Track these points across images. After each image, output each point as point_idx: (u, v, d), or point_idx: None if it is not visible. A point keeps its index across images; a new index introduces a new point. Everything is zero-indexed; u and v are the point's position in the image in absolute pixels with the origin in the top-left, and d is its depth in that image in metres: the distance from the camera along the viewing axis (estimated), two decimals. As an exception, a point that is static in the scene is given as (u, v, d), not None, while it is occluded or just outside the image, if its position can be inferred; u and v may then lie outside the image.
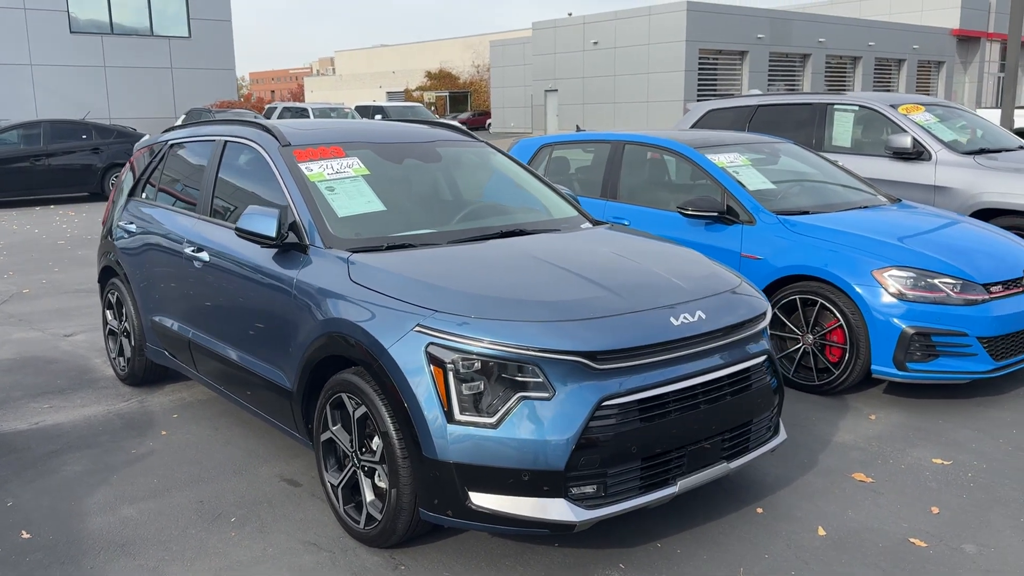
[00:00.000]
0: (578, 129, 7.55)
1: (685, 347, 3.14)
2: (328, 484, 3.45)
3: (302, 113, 23.58)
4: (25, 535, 3.41)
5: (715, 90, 38.34)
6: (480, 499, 2.92)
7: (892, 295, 4.71)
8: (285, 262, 3.68)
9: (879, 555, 3.26)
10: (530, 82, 45.76)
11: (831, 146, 8.16)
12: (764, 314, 3.53)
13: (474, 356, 2.90)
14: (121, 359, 5.33)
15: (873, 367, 4.81)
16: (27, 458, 4.20)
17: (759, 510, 3.62)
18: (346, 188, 3.91)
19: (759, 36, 38.82)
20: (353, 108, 25.60)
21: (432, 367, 2.94)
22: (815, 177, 6.20)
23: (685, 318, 3.19)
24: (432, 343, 2.95)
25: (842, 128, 8.13)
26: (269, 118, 24.63)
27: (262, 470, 4.03)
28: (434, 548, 3.29)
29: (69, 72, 26.29)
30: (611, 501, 2.97)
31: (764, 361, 3.47)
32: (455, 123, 5.10)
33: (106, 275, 5.46)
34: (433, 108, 64.14)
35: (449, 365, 2.91)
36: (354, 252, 3.52)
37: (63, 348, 6.20)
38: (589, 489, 2.94)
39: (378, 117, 25.07)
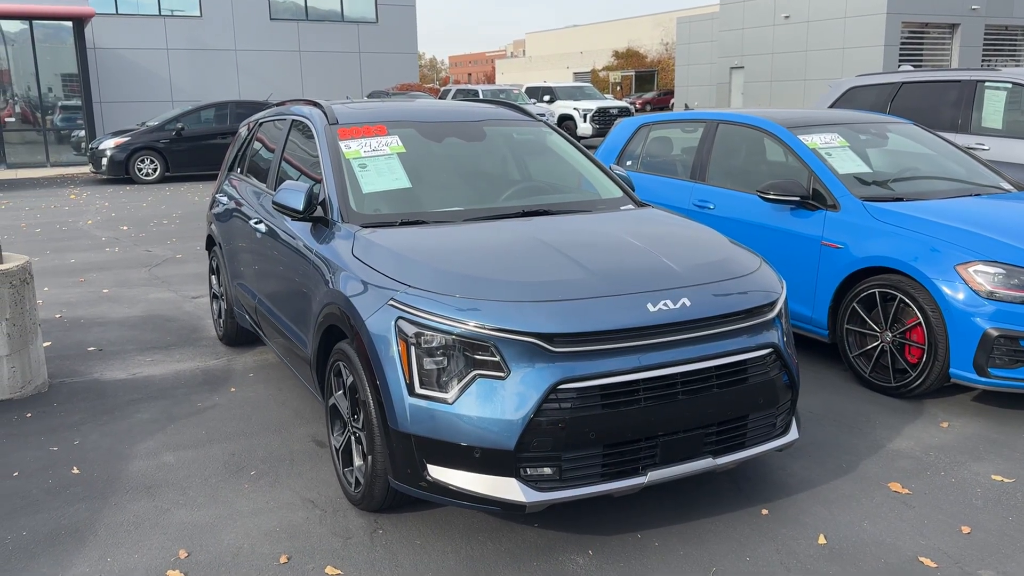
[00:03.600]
0: (686, 108, 7.30)
1: (661, 335, 3.03)
2: (332, 447, 3.63)
3: (472, 94, 24.18)
4: (75, 471, 3.84)
5: (920, 67, 35.45)
6: (437, 472, 2.98)
7: (976, 292, 4.26)
8: (314, 235, 3.87)
9: (875, 571, 3.01)
10: (716, 59, 44.31)
11: (980, 127, 7.42)
12: (771, 304, 3.33)
13: (435, 332, 2.95)
14: (220, 321, 5.81)
15: (952, 371, 4.38)
16: (110, 404, 4.69)
17: (764, 511, 3.43)
18: (378, 165, 4.05)
19: (973, 7, 35.43)
20: (523, 89, 25.92)
21: (399, 340, 3.02)
22: (926, 161, 5.68)
23: (665, 305, 3.07)
24: (401, 317, 3.03)
25: (993, 108, 7.36)
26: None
27: (300, 430, 4.28)
28: (416, 517, 3.39)
29: (268, 56, 28.35)
30: (567, 485, 2.94)
31: (768, 354, 3.27)
32: (514, 103, 5.09)
33: (210, 243, 5.95)
34: (619, 88, 63.65)
35: (412, 339, 2.98)
36: (365, 227, 3.66)
37: (186, 309, 6.82)
38: (546, 471, 2.92)
39: (546, 98, 25.25)
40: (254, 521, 3.37)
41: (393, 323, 3.05)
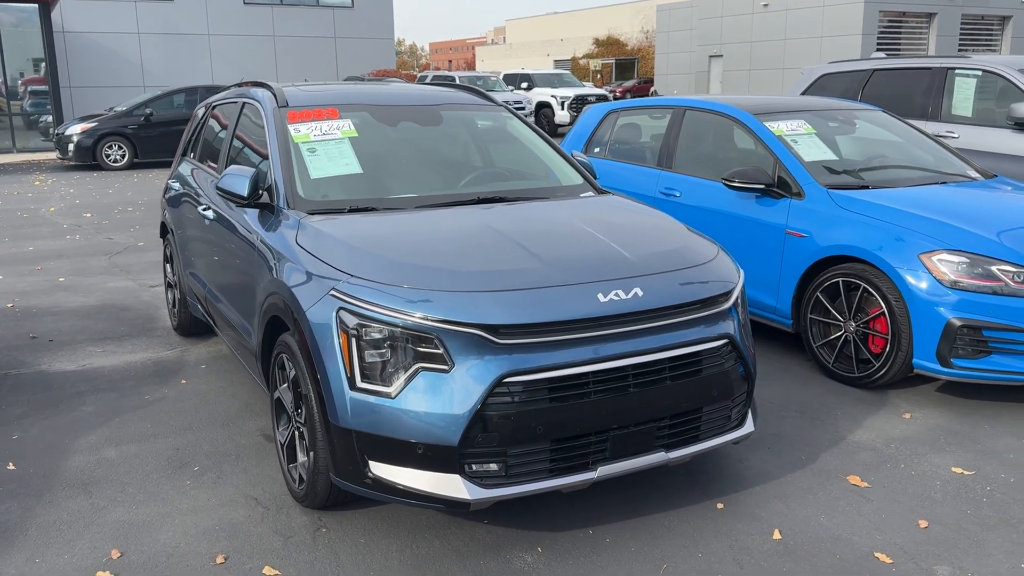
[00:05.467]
0: (654, 94, 7.21)
1: (611, 326, 2.93)
2: (277, 442, 3.51)
3: (449, 81, 23.95)
4: (11, 467, 3.70)
5: (897, 56, 35.55)
6: (379, 469, 2.87)
7: (939, 281, 4.20)
8: (261, 222, 3.74)
9: (829, 568, 2.94)
10: (695, 48, 44.23)
11: (950, 115, 7.37)
12: (726, 294, 3.23)
13: (377, 324, 2.84)
14: (174, 310, 5.66)
15: (915, 361, 4.32)
16: (56, 396, 4.54)
17: (720, 505, 3.36)
18: (328, 149, 3.92)
19: (950, -4, 35.53)
20: (501, 76, 25.71)
21: (340, 332, 2.90)
22: (894, 148, 5.61)
23: (617, 295, 2.97)
24: (342, 308, 2.91)
25: (963, 96, 7.31)
26: (420, 85, 25.26)
27: (249, 424, 4.15)
28: (362, 514, 3.28)
29: (242, 41, 27.93)
30: (513, 482, 2.84)
31: (723, 345, 3.18)
32: (475, 87, 4.97)
33: (164, 231, 5.79)
34: (599, 76, 63.47)
35: (353, 331, 2.86)
36: (312, 214, 3.53)
37: (143, 298, 6.65)
38: (492, 467, 2.82)
39: (524, 85, 25.06)
40: (193, 519, 3.25)
41: (334, 314, 2.93)
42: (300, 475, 3.26)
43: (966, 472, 3.64)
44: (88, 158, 16.32)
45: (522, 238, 3.27)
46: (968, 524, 3.22)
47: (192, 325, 5.48)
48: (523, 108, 22.43)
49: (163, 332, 5.74)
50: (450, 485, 2.79)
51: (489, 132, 4.56)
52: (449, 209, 3.64)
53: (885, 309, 4.39)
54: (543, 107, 24.14)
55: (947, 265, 4.21)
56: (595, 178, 4.46)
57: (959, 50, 36.04)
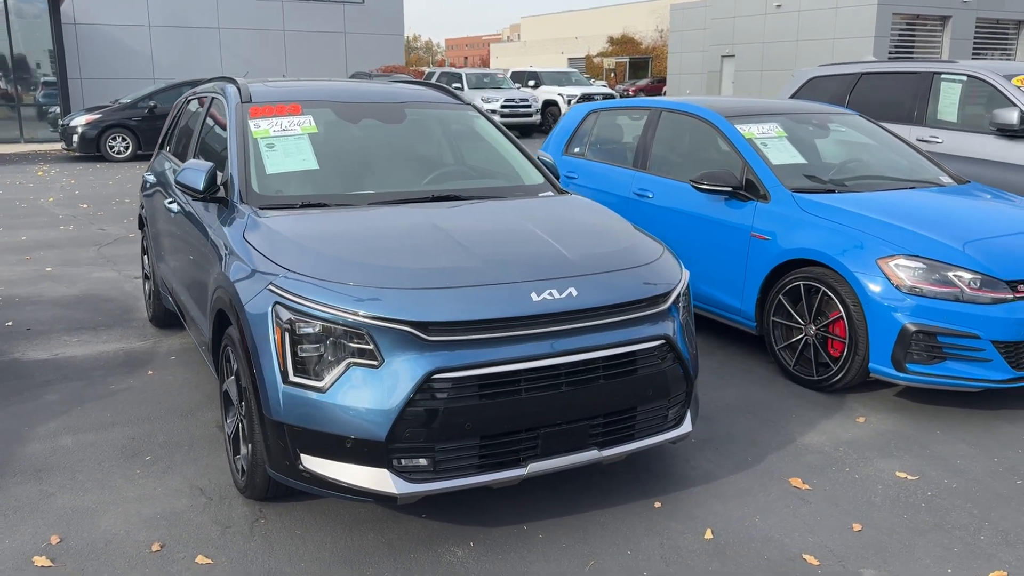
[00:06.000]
0: (664, 94, 7.22)
1: (544, 324, 2.96)
2: (225, 433, 3.56)
3: (456, 78, 23.99)
4: (-33, 452, 3.77)
5: (911, 59, 35.31)
6: (310, 462, 2.91)
7: (896, 286, 4.21)
8: (218, 216, 3.79)
9: (756, 568, 2.96)
10: (708, 47, 44.09)
11: (936, 120, 7.35)
12: (664, 295, 3.26)
13: (310, 319, 2.88)
14: (149, 302, 5.72)
15: (871, 365, 4.33)
16: (24, 385, 4.61)
17: (657, 504, 3.39)
18: (287, 145, 3.96)
19: (965, 0, 35.28)
20: (508, 74, 25.73)
21: (275, 327, 2.95)
22: (866, 152, 5.62)
23: (550, 294, 3.01)
24: (278, 302, 2.96)
25: (948, 100, 7.29)
26: (427, 82, 25.29)
27: (207, 415, 4.21)
28: (303, 506, 3.33)
29: (252, 35, 28.08)
30: (441, 477, 2.88)
31: (660, 346, 3.20)
32: (442, 84, 5.00)
33: (140, 223, 5.86)
34: (612, 74, 63.37)
35: (286, 326, 2.91)
36: (263, 209, 3.58)
37: (125, 289, 6.72)
38: (420, 462, 2.86)
39: (531, 83, 25.08)
40: (136, 507, 3.31)
41: (270, 308, 2.97)
42: (242, 466, 3.31)
43: (910, 477, 3.66)
44: (92, 149, 16.46)
45: (465, 237, 3.31)
46: (902, 528, 3.23)
47: (166, 316, 5.55)
48: (529, 106, 22.41)
49: (139, 323, 5.80)
50: (377, 479, 2.83)
51: (453, 130, 4.60)
52: (400, 207, 3.68)
53: (843, 313, 4.40)
54: (550, 105, 24.14)
55: (904, 270, 4.22)
56: (557, 178, 4.49)
57: (973, 54, 35.77)
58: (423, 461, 2.87)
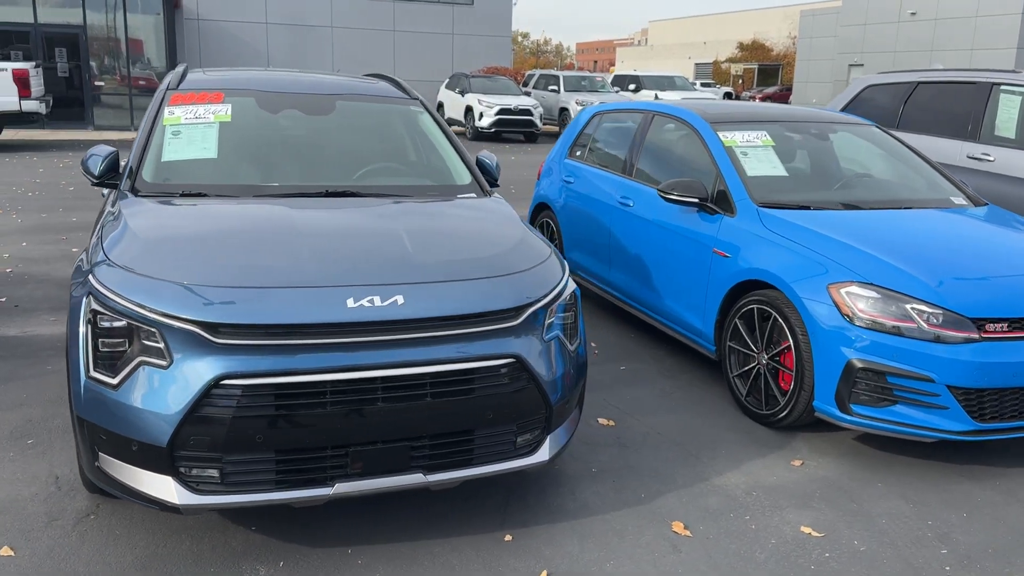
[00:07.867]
0: (656, 99, 6.83)
1: (357, 333, 2.74)
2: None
3: (553, 80, 23.78)
4: None
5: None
6: (105, 463, 2.80)
7: (845, 316, 3.73)
8: (110, 202, 3.74)
9: (572, 622, 2.64)
10: (836, 56, 42.16)
11: (992, 136, 6.60)
12: (515, 310, 2.96)
13: (110, 312, 2.76)
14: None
15: (815, 403, 3.86)
16: (-28, 360, 4.73)
17: (508, 537, 3.10)
18: (192, 133, 3.89)
19: (1126, 8, 32.25)
20: (610, 78, 25.31)
21: (86, 318, 2.84)
22: (867, 167, 5.07)
23: (370, 301, 2.77)
24: (90, 293, 2.86)
25: (1007, 115, 6.53)
26: (527, 85, 25.17)
27: (117, 403, 4.18)
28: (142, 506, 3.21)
29: (363, 35, 28.77)
30: (231, 491, 2.69)
31: (509, 364, 2.91)
32: (395, 78, 4.82)
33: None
34: (740, 81, 61.62)
35: (89, 316, 2.80)
36: (141, 196, 3.50)
37: (131, 273, 6.87)
38: (211, 473, 2.69)
39: (632, 87, 24.58)
40: (-16, 491, 3.28)
41: (84, 299, 2.87)
42: (86, 459, 3.23)
43: (814, 533, 3.21)
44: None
45: (315, 236, 3.12)
46: (769, 593, 2.82)
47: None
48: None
49: (121, 307, 5.89)
50: (162, 487, 2.68)
51: (387, 125, 4.41)
52: (276, 201, 3.53)
53: (792, 343, 3.95)
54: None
55: (856, 299, 3.74)
56: (493, 181, 4.25)
57: None
58: (214, 472, 2.69)
